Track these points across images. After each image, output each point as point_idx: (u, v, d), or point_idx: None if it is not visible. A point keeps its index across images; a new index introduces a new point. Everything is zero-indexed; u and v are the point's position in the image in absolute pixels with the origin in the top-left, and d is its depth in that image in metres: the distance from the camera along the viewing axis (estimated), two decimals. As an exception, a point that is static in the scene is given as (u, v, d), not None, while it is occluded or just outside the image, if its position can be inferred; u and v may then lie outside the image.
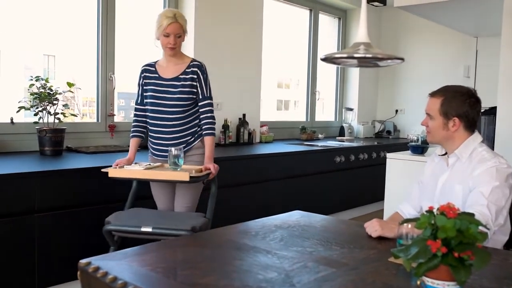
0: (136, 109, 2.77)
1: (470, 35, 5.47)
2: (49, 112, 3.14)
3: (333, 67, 6.18)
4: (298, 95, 5.89)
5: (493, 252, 1.61)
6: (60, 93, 3.17)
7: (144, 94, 2.74)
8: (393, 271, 1.40)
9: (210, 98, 2.73)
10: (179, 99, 2.67)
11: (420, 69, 6.11)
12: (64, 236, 2.64)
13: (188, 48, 4.04)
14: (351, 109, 6.13)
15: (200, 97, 2.70)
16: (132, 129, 2.77)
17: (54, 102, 3.14)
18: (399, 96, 6.36)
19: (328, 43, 6.11)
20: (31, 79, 3.11)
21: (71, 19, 3.60)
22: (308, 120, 5.82)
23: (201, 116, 2.73)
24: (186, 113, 2.70)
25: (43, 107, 3.12)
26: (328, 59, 1.66)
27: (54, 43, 3.57)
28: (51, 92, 3.13)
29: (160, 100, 2.68)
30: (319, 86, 5.92)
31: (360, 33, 1.61)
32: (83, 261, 1.36)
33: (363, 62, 1.76)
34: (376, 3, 5.99)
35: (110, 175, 2.46)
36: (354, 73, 6.25)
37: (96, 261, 1.37)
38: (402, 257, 1.20)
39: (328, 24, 6.13)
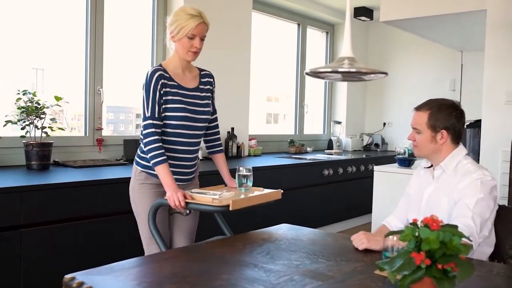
0: (154, 125, 2.22)
1: (456, 49, 5.57)
2: (36, 126, 3.12)
3: (321, 80, 6.23)
4: (287, 109, 5.93)
5: (478, 264, 1.63)
6: (47, 107, 3.16)
7: (164, 106, 2.26)
8: (379, 283, 1.40)
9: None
10: (208, 113, 2.39)
11: (407, 82, 6.19)
12: (50, 251, 2.61)
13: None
14: (339, 122, 6.17)
15: (212, 110, 2.46)
16: (158, 152, 2.19)
17: (42, 116, 3.13)
18: (387, 109, 6.42)
19: (317, 57, 6.17)
20: (19, 93, 3.10)
21: (60, 32, 3.60)
22: (297, 133, 5.85)
23: (212, 131, 2.50)
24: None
25: (30, 121, 3.10)
26: (312, 73, 1.68)
27: (42, 56, 3.57)
28: (39, 106, 3.12)
29: (193, 114, 2.31)
30: (308, 100, 5.97)
31: (344, 47, 1.63)
32: (68, 276, 1.35)
33: (347, 77, 1.78)
34: (363, 18, 6.07)
35: (232, 208, 2.02)
36: (342, 87, 6.31)
37: (80, 276, 1.35)
38: (387, 270, 1.21)
39: (316, 38, 6.19)
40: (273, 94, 5.96)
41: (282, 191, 2.35)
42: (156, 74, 2.23)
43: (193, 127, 2.32)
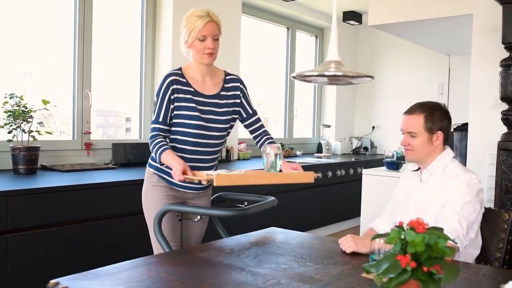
0: (159, 129, 2.19)
1: (443, 53, 5.62)
2: (23, 130, 3.10)
3: (310, 84, 6.26)
4: (278, 112, 5.93)
5: (464, 266, 1.65)
6: (34, 111, 3.13)
7: (176, 112, 2.21)
8: (365, 286, 1.41)
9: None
10: (226, 121, 2.30)
11: (396, 86, 6.23)
12: (37, 256, 2.59)
13: (166, 63, 4.05)
14: (328, 126, 6.19)
15: (250, 112, 2.39)
16: (159, 144, 2.13)
17: (29, 120, 3.10)
18: (376, 112, 6.46)
19: (306, 61, 6.19)
20: (5, 97, 3.07)
21: (49, 36, 3.58)
22: (286, 137, 5.85)
23: (260, 131, 2.42)
24: (226, 137, 2.37)
25: (17, 125, 3.08)
26: (299, 77, 1.69)
27: (31, 60, 3.54)
28: (26, 110, 3.09)
29: (207, 122, 2.24)
30: (297, 103, 5.98)
31: (330, 51, 1.64)
32: (52, 281, 1.33)
33: (334, 80, 1.79)
34: (352, 22, 6.10)
35: (218, 183, 1.91)
36: (331, 90, 6.33)
37: (65, 281, 1.34)
38: (373, 272, 1.21)
39: (306, 42, 6.22)
40: (263, 98, 5.96)
41: (314, 173, 2.15)
42: (168, 80, 2.19)
43: (207, 136, 2.25)
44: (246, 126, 2.43)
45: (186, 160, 2.19)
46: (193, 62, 2.27)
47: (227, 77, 2.35)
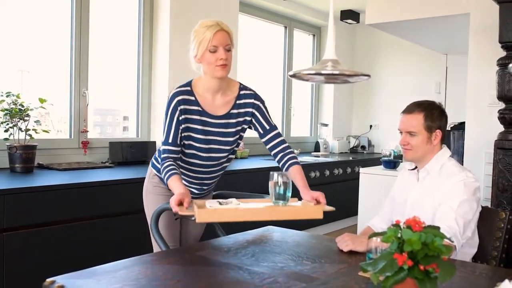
0: (169, 151, 2.07)
1: (440, 53, 5.62)
2: (20, 129, 3.09)
3: (308, 83, 6.26)
4: (275, 111, 5.93)
5: (461, 265, 1.65)
6: (31, 109, 3.13)
7: (184, 134, 2.10)
8: (362, 285, 1.41)
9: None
10: (233, 143, 2.19)
11: (393, 85, 6.24)
12: (33, 255, 2.59)
13: (163, 61, 4.04)
14: (326, 125, 6.19)
15: (267, 127, 2.18)
16: (169, 168, 2.01)
17: (26, 118, 3.09)
18: (373, 111, 6.46)
19: (304, 60, 6.19)
20: (2, 95, 3.06)
21: (45, 34, 3.56)
22: (284, 135, 5.83)
23: (278, 149, 2.17)
24: (232, 155, 2.26)
25: (14, 123, 3.07)
26: (296, 76, 1.69)
27: (28, 58, 3.53)
28: (22, 108, 3.08)
29: (211, 144, 2.14)
30: (295, 102, 5.98)
31: (327, 50, 1.64)
32: (48, 279, 1.33)
33: (331, 79, 1.79)
34: (349, 21, 6.10)
35: (200, 220, 1.74)
36: (329, 89, 6.34)
37: (61, 279, 1.34)
38: (370, 271, 1.21)
39: (303, 41, 6.22)
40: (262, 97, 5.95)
41: (327, 207, 1.93)
42: (176, 100, 2.06)
43: (210, 158, 2.17)
44: (265, 143, 2.23)
45: (190, 177, 2.20)
46: (204, 77, 2.11)
47: (241, 92, 2.18)
